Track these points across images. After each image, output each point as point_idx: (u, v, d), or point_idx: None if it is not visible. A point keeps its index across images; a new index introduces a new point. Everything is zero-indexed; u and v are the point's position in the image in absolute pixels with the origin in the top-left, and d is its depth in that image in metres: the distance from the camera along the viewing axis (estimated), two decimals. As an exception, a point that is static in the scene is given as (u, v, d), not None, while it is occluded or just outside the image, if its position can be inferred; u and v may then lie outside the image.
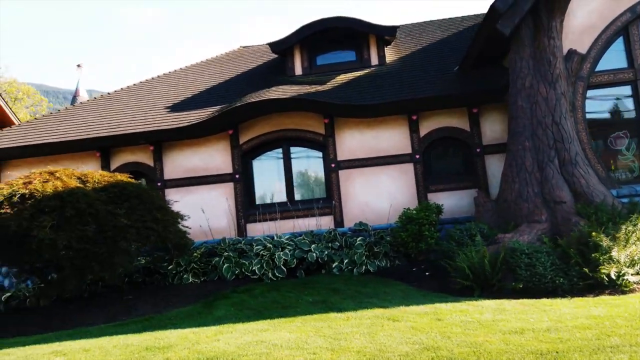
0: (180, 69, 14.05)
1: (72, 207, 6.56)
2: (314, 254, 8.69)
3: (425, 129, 9.92)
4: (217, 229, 10.05)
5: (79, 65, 26.30)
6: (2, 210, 6.37)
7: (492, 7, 7.69)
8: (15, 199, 6.47)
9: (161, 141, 10.34)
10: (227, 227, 10.18)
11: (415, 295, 6.18)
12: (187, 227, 8.11)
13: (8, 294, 8.94)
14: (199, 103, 11.18)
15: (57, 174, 7.07)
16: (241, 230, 10.14)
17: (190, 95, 11.81)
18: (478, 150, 9.68)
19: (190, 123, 9.93)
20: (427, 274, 7.39)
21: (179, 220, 7.94)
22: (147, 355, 4.33)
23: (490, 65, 10.03)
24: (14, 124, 17.96)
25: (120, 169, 10.24)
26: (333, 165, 10.08)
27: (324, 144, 10.24)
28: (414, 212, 8.56)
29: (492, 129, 9.72)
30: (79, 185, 7.12)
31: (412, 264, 8.21)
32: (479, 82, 9.72)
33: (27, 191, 6.51)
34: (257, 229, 10.11)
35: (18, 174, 10.26)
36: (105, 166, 10.41)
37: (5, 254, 6.98)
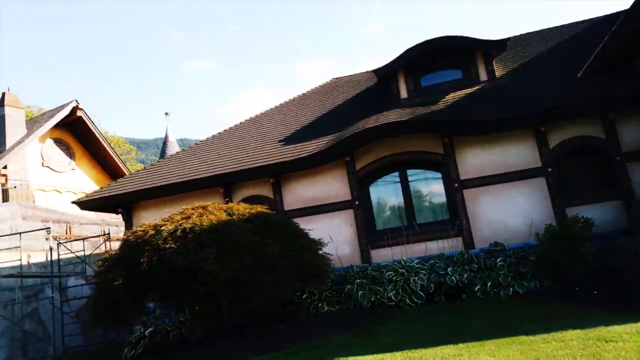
0: (280, 104, 14.49)
1: (229, 239, 6.74)
2: (453, 278, 8.35)
3: (554, 140, 9.42)
4: (341, 256, 9.96)
5: (166, 114, 28.01)
6: (167, 245, 6.66)
7: (635, 5, 7.27)
8: (179, 233, 6.75)
9: (280, 173, 10.56)
10: (350, 254, 10.08)
11: (601, 315, 5.67)
12: (328, 253, 8.10)
13: (151, 329, 9.30)
14: (309, 134, 11.38)
15: (209, 208, 7.34)
16: (365, 256, 9.99)
17: (299, 128, 12.08)
18: (618, 158, 9.02)
19: (310, 153, 10.08)
20: (595, 292, 6.82)
21: (320, 247, 7.95)
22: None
23: (616, 69, 9.44)
24: (124, 173, 19.36)
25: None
26: (456, 185, 9.78)
27: (444, 164, 9.99)
28: (560, 228, 8.04)
29: (633, 135, 9.05)
30: (227, 217, 7.35)
31: (565, 284, 7.63)
32: (610, 87, 9.15)
33: (188, 225, 6.78)
34: (382, 255, 9.92)
35: (150, 215, 10.88)
36: (228, 201, 10.75)
37: (165, 288, 7.23)
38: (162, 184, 10.76)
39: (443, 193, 10.18)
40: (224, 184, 10.75)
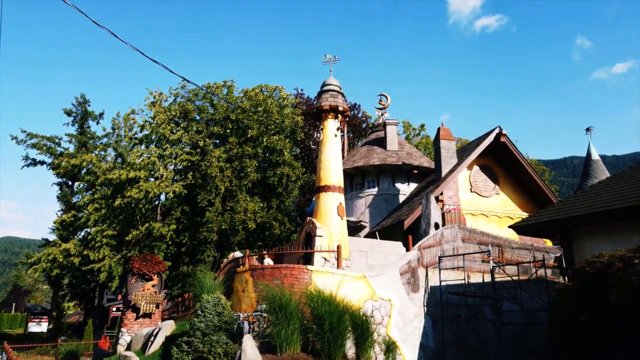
0: None
1: None
2: None
3: None
4: None
5: (588, 129, 25.50)
6: (642, 283, 5.47)
7: None
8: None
9: None
10: None
11: None
12: None
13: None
14: None
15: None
16: None
17: None
18: None
19: None
20: None
21: None
22: None
23: None
24: (549, 198, 18.56)
25: None
26: None
27: None
28: None
29: None
30: None
31: None
32: None
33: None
34: None
35: (594, 244, 9.67)
36: None
37: (635, 333, 5.98)
38: (614, 207, 9.34)
39: None
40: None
